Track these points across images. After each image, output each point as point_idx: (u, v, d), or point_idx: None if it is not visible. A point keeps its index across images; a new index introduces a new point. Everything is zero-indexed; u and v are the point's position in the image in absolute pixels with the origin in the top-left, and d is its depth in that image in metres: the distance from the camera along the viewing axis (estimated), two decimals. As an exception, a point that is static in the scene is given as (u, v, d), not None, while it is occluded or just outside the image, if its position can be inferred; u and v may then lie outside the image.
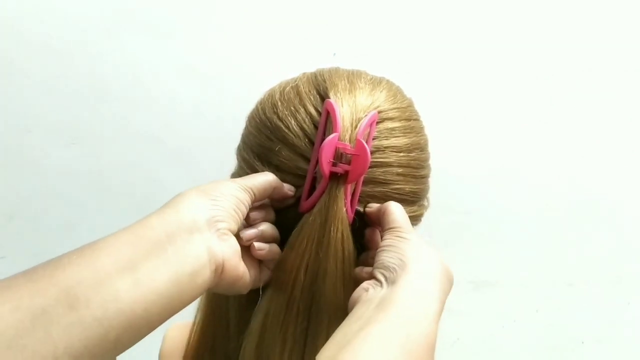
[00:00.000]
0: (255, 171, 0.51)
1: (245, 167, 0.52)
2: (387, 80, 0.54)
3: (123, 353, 1.04)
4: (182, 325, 0.66)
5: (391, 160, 0.49)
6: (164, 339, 0.68)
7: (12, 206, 0.91)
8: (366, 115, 0.48)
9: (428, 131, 0.55)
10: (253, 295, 0.50)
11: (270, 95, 0.54)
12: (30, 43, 0.88)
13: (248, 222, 0.47)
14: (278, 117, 0.51)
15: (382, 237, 0.46)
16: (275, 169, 0.49)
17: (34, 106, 0.89)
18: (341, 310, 0.46)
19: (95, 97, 0.90)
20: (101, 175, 0.91)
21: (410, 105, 0.54)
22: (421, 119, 0.55)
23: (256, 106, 0.55)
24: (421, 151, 0.52)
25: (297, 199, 0.48)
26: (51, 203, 0.91)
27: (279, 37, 0.88)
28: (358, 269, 0.46)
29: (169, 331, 0.68)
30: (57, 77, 0.89)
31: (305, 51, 0.88)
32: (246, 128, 0.54)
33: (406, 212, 0.50)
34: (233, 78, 0.89)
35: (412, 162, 0.50)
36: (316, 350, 0.46)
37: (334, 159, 0.46)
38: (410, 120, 0.52)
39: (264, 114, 0.52)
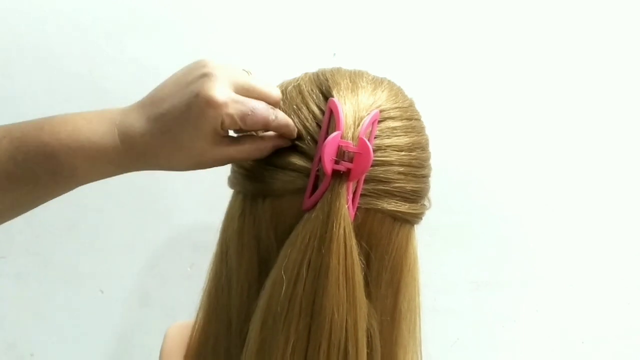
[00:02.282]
0: (253, 173, 0.51)
1: (242, 170, 0.53)
2: (389, 81, 0.55)
3: (123, 352, 1.04)
4: (182, 324, 0.66)
5: (392, 159, 0.49)
6: (164, 339, 0.68)
7: (12, 206, 0.91)
8: (368, 114, 0.48)
9: (429, 131, 0.55)
10: (255, 292, 0.50)
11: None
12: (30, 43, 0.88)
13: None
14: None
15: None
16: (277, 167, 0.50)
17: (34, 106, 0.89)
18: (344, 307, 0.46)
19: (95, 97, 0.90)
20: (101, 175, 0.91)
21: (411, 105, 0.54)
22: (422, 119, 0.55)
23: None
24: (422, 150, 0.53)
25: (296, 191, 0.49)
26: (51, 203, 0.91)
27: (279, 37, 0.88)
28: None
29: (169, 331, 0.68)
30: (57, 77, 0.89)
31: (305, 51, 0.88)
32: None
33: (407, 209, 0.50)
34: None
35: (413, 161, 0.51)
36: (320, 346, 0.46)
37: (336, 157, 0.46)
38: (411, 120, 0.52)
39: None
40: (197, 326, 0.58)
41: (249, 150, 0.50)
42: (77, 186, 0.50)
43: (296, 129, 0.50)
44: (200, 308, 0.57)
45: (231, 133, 0.50)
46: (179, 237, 0.92)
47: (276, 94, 0.50)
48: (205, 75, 0.46)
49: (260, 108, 0.47)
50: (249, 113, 0.47)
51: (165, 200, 0.92)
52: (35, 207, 0.51)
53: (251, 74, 0.50)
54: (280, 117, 0.49)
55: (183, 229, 0.92)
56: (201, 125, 0.46)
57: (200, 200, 0.90)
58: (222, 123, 0.46)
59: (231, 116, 0.46)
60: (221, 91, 0.46)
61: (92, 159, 0.47)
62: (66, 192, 0.50)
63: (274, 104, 0.50)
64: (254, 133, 0.51)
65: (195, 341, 0.58)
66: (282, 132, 0.50)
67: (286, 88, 0.53)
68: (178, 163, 0.49)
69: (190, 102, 0.46)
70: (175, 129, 0.47)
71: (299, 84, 0.53)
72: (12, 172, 0.46)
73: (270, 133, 0.50)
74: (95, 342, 0.95)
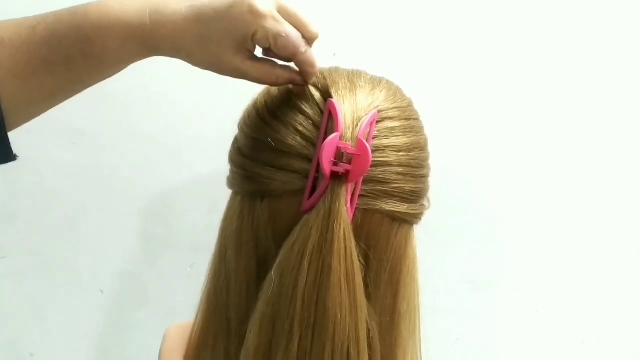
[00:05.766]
0: (252, 174, 0.51)
1: (240, 170, 0.53)
2: (387, 80, 0.55)
3: (122, 352, 1.04)
4: (182, 325, 0.66)
5: (391, 159, 0.49)
6: (164, 339, 0.68)
7: (12, 206, 0.91)
8: (367, 115, 0.48)
9: (427, 131, 0.55)
10: (253, 293, 0.50)
11: (268, 94, 0.54)
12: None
13: None
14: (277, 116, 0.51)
15: None
16: (276, 168, 0.50)
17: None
18: (346, 308, 0.46)
19: (95, 97, 0.89)
20: (101, 175, 0.91)
21: (409, 104, 0.54)
22: (421, 118, 0.55)
23: (250, 107, 0.55)
24: (421, 150, 0.52)
25: (295, 192, 0.48)
26: (51, 203, 0.91)
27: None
28: None
29: (168, 331, 0.68)
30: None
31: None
32: (241, 129, 0.54)
33: (406, 210, 0.50)
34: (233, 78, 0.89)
35: (412, 161, 0.51)
36: (324, 347, 0.46)
37: (335, 159, 0.46)
38: (410, 120, 0.52)
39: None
40: (196, 326, 0.58)
41: (265, 71, 0.51)
42: (109, 72, 0.52)
43: (315, 75, 0.52)
44: (199, 308, 0.57)
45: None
46: (179, 237, 0.92)
47: (315, 29, 0.52)
48: None
49: (295, 35, 0.49)
50: (283, 35, 0.48)
51: (165, 200, 0.92)
52: (69, 96, 0.53)
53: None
54: (309, 53, 0.51)
55: (183, 229, 0.92)
56: (235, 27, 0.48)
57: (200, 200, 0.90)
58: (255, 33, 0.48)
59: (266, 30, 0.48)
60: (266, 4, 0.48)
61: (120, 37, 0.49)
62: (99, 78, 0.52)
63: (309, 38, 0.51)
64: (276, 61, 0.52)
65: (195, 341, 0.58)
66: (304, 70, 0.51)
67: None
68: (198, 55, 0.50)
69: (235, 3, 0.48)
70: (209, 22, 0.48)
71: None
72: (47, 57, 0.48)
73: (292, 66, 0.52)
74: (95, 342, 0.95)
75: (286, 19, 0.49)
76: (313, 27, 0.51)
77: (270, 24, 0.48)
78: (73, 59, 0.49)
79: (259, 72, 0.51)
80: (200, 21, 0.48)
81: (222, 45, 0.49)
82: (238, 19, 0.47)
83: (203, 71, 0.88)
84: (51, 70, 0.49)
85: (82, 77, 0.51)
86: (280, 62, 0.53)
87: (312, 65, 0.51)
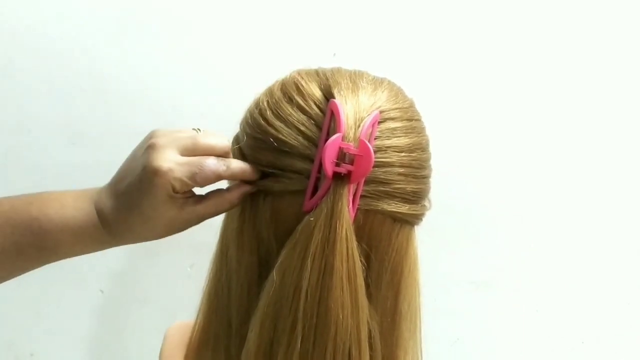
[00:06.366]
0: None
1: None
2: (389, 81, 0.55)
3: (122, 352, 1.04)
4: (182, 325, 0.66)
5: (393, 160, 0.49)
6: (164, 339, 0.68)
7: (12, 206, 0.91)
8: (369, 115, 0.48)
9: (429, 131, 0.55)
10: (254, 292, 0.50)
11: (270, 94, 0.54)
12: (30, 43, 0.88)
13: None
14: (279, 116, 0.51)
15: None
16: (278, 169, 0.50)
17: (34, 106, 0.89)
18: (348, 309, 0.46)
19: (95, 97, 0.90)
20: (101, 175, 0.90)
21: (411, 105, 0.54)
22: (422, 119, 0.55)
23: (252, 107, 0.55)
24: (422, 151, 0.52)
25: (297, 192, 0.48)
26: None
27: (279, 37, 0.88)
28: None
29: (169, 331, 0.69)
30: (57, 77, 0.89)
31: (305, 51, 0.88)
32: (243, 129, 0.54)
33: (408, 210, 0.50)
34: (233, 78, 0.89)
35: (414, 162, 0.51)
36: (326, 348, 0.46)
37: (337, 159, 0.46)
38: (411, 121, 0.52)
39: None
40: (197, 326, 0.58)
41: (215, 204, 0.51)
42: (58, 260, 0.52)
43: (255, 171, 0.51)
44: (200, 308, 0.57)
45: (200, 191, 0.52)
46: (179, 237, 0.92)
47: (221, 145, 0.51)
48: (150, 147, 0.49)
49: (208, 163, 0.49)
50: (197, 171, 0.48)
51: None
52: (13, 277, 0.53)
53: (201, 131, 0.52)
54: (234, 165, 0.50)
55: (183, 228, 0.92)
56: (155, 194, 0.48)
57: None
58: (174, 188, 0.48)
59: (179, 179, 0.48)
60: (165, 158, 0.48)
61: (76, 235, 0.50)
62: (46, 264, 0.52)
63: (223, 154, 0.51)
64: (221, 187, 0.52)
65: (195, 341, 0.58)
66: (241, 179, 0.51)
67: (283, 84, 0.53)
68: (151, 233, 0.51)
69: (141, 176, 0.48)
70: (136, 202, 0.49)
71: (297, 81, 0.52)
72: None
73: (235, 183, 0.52)
74: (95, 342, 0.95)
75: (190, 154, 0.49)
76: (219, 144, 0.51)
77: (179, 172, 0.48)
78: (25, 249, 0.49)
79: (211, 208, 0.51)
80: (130, 207, 0.49)
81: (161, 215, 0.49)
82: (152, 188, 0.48)
83: (203, 70, 0.89)
84: (1, 257, 0.49)
85: (30, 265, 0.51)
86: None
87: (242, 171, 0.50)
